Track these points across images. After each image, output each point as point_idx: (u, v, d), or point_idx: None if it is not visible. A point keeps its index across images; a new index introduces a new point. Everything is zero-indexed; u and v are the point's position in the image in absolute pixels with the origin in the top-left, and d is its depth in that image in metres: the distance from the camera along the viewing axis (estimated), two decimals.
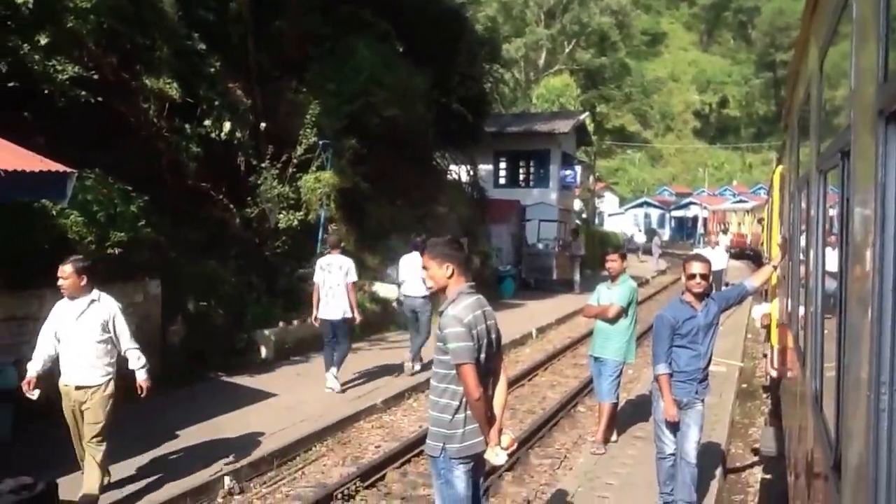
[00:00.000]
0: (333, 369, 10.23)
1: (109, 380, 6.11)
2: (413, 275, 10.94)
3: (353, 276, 10.16)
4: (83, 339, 6.02)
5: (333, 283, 10.00)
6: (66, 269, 6.02)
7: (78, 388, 6.07)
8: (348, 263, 10.12)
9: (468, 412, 4.28)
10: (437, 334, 4.38)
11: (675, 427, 6.01)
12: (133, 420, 8.45)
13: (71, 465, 6.82)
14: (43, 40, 8.49)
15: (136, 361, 6.25)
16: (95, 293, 6.12)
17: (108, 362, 6.13)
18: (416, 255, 10.89)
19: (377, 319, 15.05)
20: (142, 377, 6.27)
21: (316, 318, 10.18)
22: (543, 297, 22.39)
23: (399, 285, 11.86)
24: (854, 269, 2.16)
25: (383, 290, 15.81)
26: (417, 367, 11.34)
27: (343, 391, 10.25)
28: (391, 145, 17.25)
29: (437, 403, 4.36)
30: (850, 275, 2.26)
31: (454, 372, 4.23)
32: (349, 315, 10.13)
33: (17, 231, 7.91)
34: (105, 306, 6.14)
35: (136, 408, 8.86)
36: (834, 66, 3.01)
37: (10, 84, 8.32)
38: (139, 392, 6.26)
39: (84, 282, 6.07)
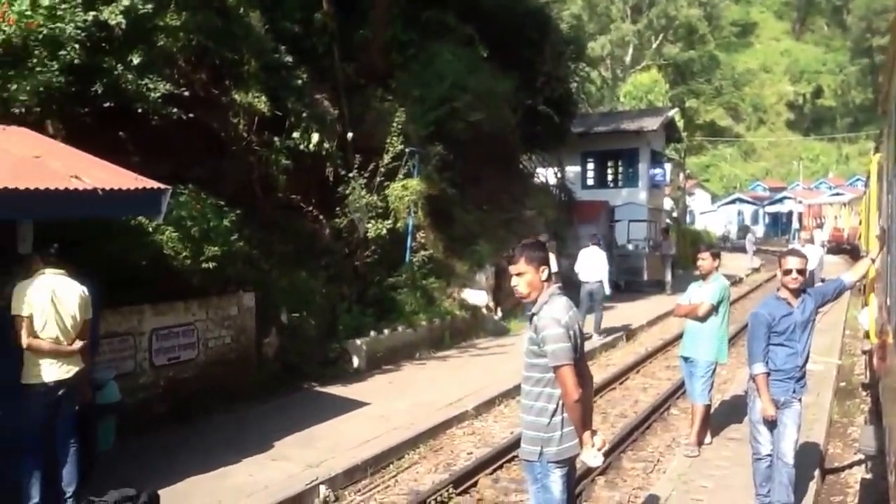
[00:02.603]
0: None
1: None
2: (590, 263, 14.82)
3: None
4: None
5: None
6: None
7: None
8: None
9: (564, 415, 4.24)
10: (530, 337, 4.31)
11: (771, 427, 5.88)
12: (229, 429, 8.62)
13: (174, 476, 6.97)
14: (136, 60, 8.69)
15: None
16: None
17: None
18: (594, 248, 15.00)
19: (466, 326, 14.99)
20: None
21: None
22: (634, 298, 21.94)
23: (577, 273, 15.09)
24: None
25: (472, 296, 15.71)
26: (603, 337, 14.96)
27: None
28: (477, 150, 17.14)
29: (533, 407, 4.31)
30: None
31: (549, 374, 4.19)
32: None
33: (116, 248, 8.10)
34: None
35: (232, 417, 9.10)
36: None
37: (106, 104, 8.53)
38: None
39: None
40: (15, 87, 7.32)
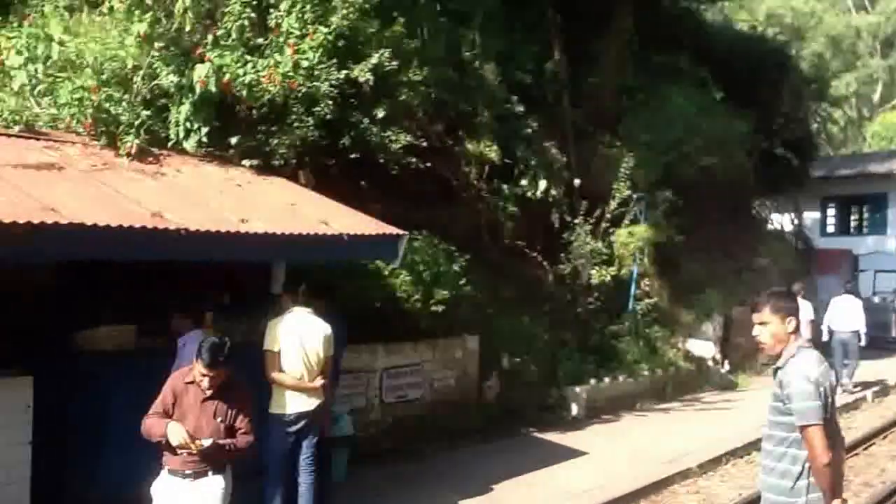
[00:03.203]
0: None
1: None
2: (844, 312, 14.17)
3: None
4: None
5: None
6: None
7: None
8: None
9: (810, 479, 3.95)
10: (774, 393, 4.08)
11: None
12: (450, 468, 8.86)
13: None
14: (380, 113, 9.29)
15: None
16: None
17: None
18: (848, 296, 14.48)
19: (690, 378, 14.48)
20: None
21: None
22: (878, 355, 20.18)
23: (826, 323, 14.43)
24: None
25: (698, 347, 15.18)
26: (857, 388, 14.40)
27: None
28: (707, 195, 16.61)
29: (775, 469, 4.07)
30: None
31: (794, 434, 3.94)
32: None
33: (354, 290, 8.65)
34: None
35: (453, 457, 9.36)
36: None
37: (352, 155, 9.18)
38: None
39: None
40: (276, 141, 8.08)
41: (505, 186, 12.39)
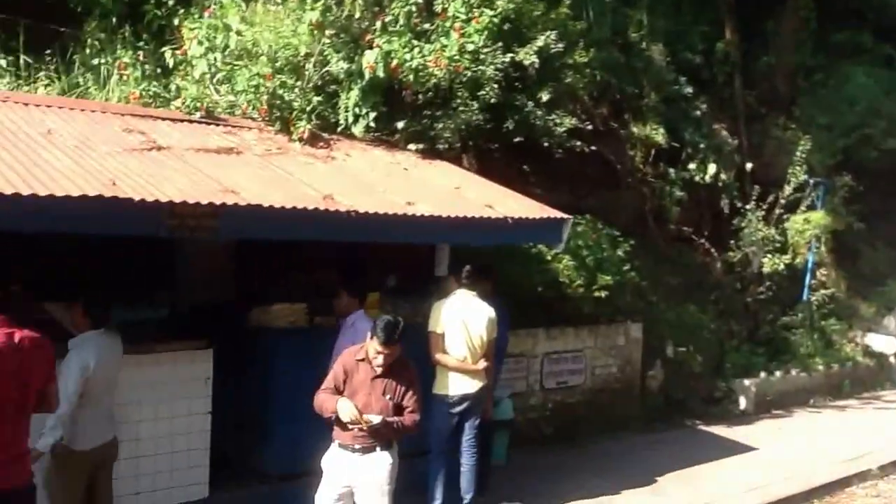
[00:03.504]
0: None
1: None
2: None
3: None
4: None
5: None
6: None
7: None
8: None
9: None
10: None
11: None
12: (610, 458, 8.72)
13: (554, 498, 7.23)
14: (545, 97, 9.18)
15: None
16: None
17: None
18: None
19: (870, 375, 13.62)
20: None
21: None
22: None
23: None
24: None
25: (878, 342, 14.23)
26: None
27: None
28: (891, 181, 15.52)
29: None
30: None
31: None
32: None
33: (516, 274, 8.64)
34: None
35: (614, 446, 9.21)
36: None
37: (516, 139, 9.14)
38: None
39: None
40: (441, 125, 8.14)
41: (671, 170, 12.07)
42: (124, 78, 7.67)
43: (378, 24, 7.92)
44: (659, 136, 11.52)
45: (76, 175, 4.79)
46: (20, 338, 3.82)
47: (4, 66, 7.59)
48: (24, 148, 5.17)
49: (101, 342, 4.92)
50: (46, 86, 7.65)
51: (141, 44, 8.02)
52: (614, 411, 9.84)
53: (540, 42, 9.03)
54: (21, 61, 7.66)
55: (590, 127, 10.19)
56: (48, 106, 6.42)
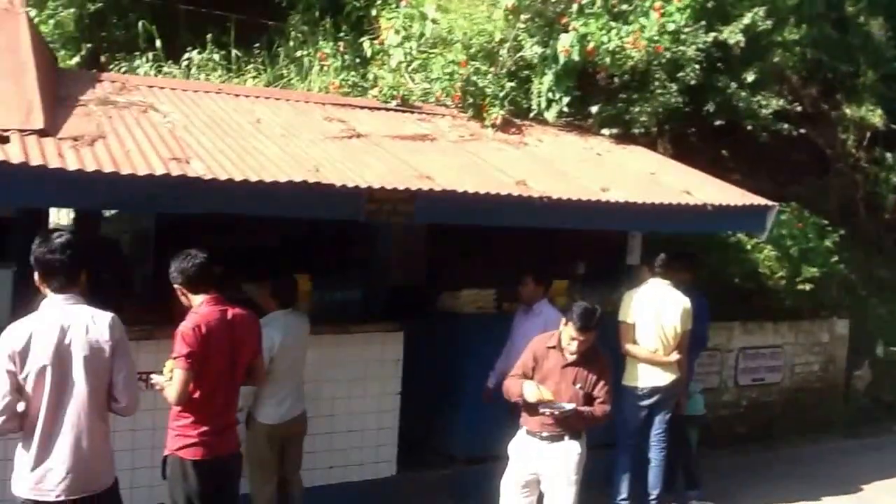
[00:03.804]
0: None
1: None
2: None
3: None
4: None
5: None
6: None
7: None
8: None
9: None
10: None
11: None
12: (809, 461, 8.23)
13: (745, 500, 6.90)
14: (749, 77, 8.77)
15: None
16: None
17: None
18: None
19: None
20: None
21: None
22: None
23: None
24: None
25: None
26: None
27: None
28: None
29: None
30: None
31: None
32: None
33: (713, 264, 8.32)
34: None
35: (813, 449, 8.67)
36: None
37: (716, 122, 8.75)
38: None
39: None
40: (637, 109, 7.91)
41: (889, 155, 11.23)
42: (325, 68, 8.00)
43: (574, 6, 7.76)
44: (876, 117, 10.69)
45: (283, 162, 5.04)
46: (232, 315, 4.11)
47: (217, 59, 8.12)
48: (235, 136, 5.50)
49: (287, 322, 5.16)
50: (254, 77, 8.15)
51: (341, 35, 8.32)
52: (814, 412, 9.31)
53: (746, 19, 8.62)
54: (232, 55, 8.16)
55: (798, 109, 9.65)
56: (256, 96, 6.85)
